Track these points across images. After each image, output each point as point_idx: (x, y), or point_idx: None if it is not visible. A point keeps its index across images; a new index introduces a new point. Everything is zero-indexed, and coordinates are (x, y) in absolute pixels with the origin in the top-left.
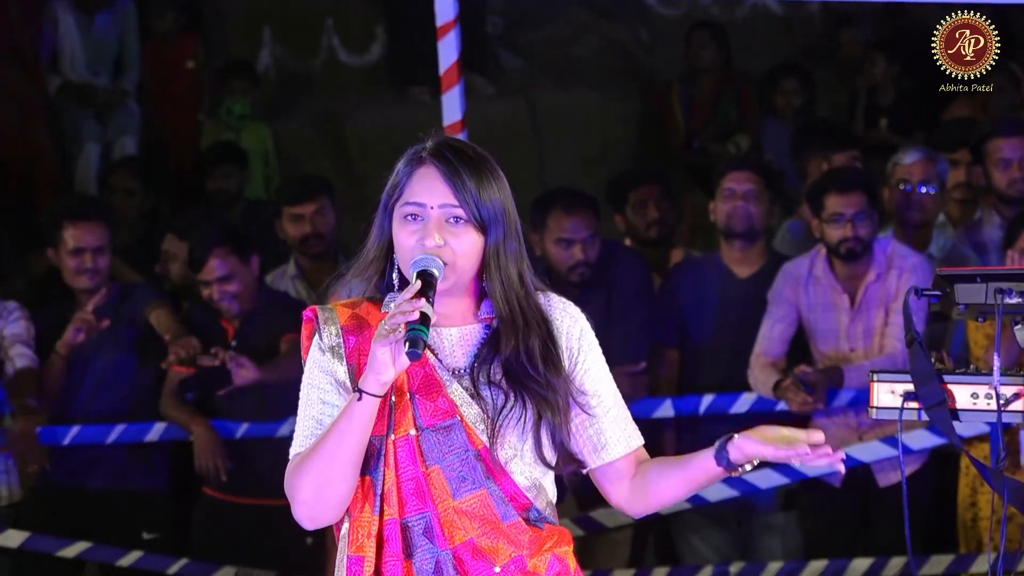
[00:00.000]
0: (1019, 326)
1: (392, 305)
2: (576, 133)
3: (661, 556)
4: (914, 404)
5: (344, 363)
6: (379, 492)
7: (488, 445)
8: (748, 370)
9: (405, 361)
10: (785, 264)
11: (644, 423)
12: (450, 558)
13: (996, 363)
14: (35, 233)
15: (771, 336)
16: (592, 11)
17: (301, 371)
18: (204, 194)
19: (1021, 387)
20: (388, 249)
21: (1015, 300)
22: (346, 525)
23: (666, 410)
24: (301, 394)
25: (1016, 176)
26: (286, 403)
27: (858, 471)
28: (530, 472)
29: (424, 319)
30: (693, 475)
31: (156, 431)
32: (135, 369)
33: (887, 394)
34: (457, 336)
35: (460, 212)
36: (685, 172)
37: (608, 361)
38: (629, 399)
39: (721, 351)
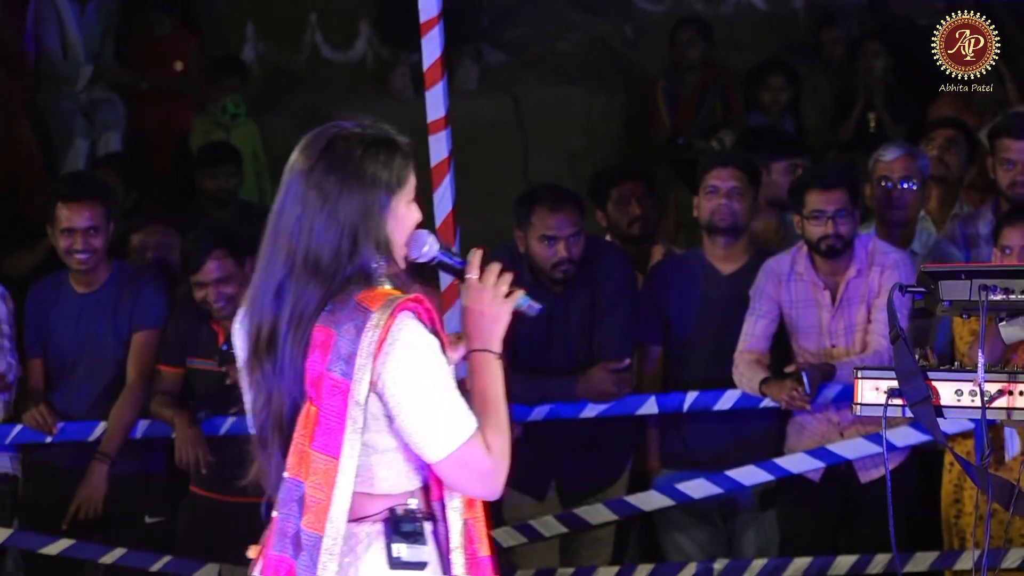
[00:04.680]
0: (1003, 323)
1: (490, 274)
2: (561, 129)
3: (645, 553)
4: (898, 401)
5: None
6: None
7: None
8: (733, 367)
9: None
10: (767, 261)
11: (628, 420)
12: None
13: (980, 360)
14: (17, 233)
15: (754, 332)
16: (576, 7)
17: None
18: (191, 193)
19: (1005, 384)
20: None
21: (999, 297)
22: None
23: (650, 407)
24: (438, 376)
25: (1018, 179)
26: None
27: (840, 467)
28: None
29: None
30: None
31: (140, 427)
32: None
33: (871, 391)
34: None
35: None
36: (670, 168)
37: (593, 358)
38: (614, 396)
39: (705, 348)
